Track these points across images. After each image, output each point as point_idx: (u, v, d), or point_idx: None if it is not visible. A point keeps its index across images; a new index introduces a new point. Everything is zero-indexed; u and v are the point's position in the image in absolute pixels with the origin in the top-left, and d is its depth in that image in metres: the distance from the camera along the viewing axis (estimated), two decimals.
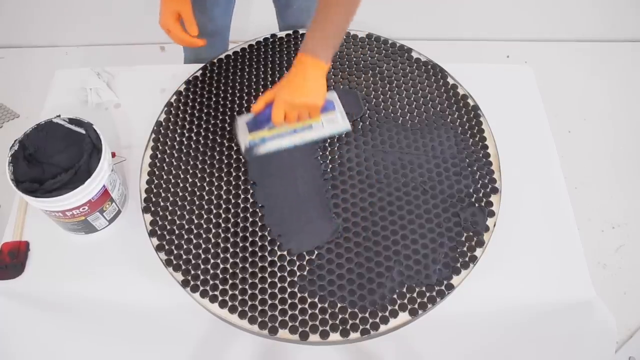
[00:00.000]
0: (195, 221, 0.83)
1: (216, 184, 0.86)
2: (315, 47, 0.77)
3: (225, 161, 0.89)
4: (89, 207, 0.81)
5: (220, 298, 0.75)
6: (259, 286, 0.76)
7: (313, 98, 0.78)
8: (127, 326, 0.85)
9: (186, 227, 0.82)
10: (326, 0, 0.76)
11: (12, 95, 1.82)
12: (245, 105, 0.95)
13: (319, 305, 0.74)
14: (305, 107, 0.79)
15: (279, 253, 0.79)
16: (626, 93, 1.85)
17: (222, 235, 0.81)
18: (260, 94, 0.94)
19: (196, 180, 0.87)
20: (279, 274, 0.77)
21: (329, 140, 0.90)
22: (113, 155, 0.89)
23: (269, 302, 0.75)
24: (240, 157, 0.89)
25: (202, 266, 0.78)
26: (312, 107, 0.79)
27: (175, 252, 0.80)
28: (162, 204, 0.85)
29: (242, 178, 0.87)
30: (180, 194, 0.86)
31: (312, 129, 0.87)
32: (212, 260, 0.79)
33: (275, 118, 0.79)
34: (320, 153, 0.88)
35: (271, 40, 1.05)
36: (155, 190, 0.86)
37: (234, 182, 0.86)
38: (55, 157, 0.81)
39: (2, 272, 0.84)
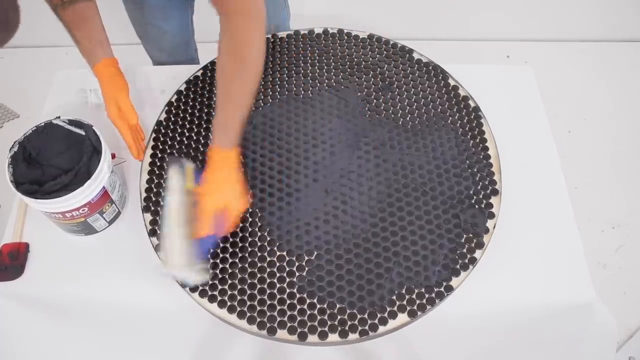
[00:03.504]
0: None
1: None
2: (220, 136, 0.76)
3: None
4: (89, 208, 0.81)
5: (219, 298, 0.75)
6: (258, 286, 0.76)
7: (235, 205, 0.75)
8: (126, 327, 0.85)
9: None
10: (236, 91, 0.75)
11: (12, 95, 1.82)
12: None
13: (318, 306, 0.74)
14: (230, 207, 0.75)
15: (278, 253, 0.79)
16: (626, 93, 1.85)
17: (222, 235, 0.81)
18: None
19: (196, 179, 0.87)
20: (278, 274, 0.77)
21: (329, 141, 0.90)
22: (113, 156, 0.89)
23: (268, 302, 0.75)
24: (240, 156, 0.89)
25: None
26: (236, 206, 0.76)
27: None
28: (162, 203, 0.85)
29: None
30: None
31: None
32: (211, 260, 0.79)
33: (229, 230, 0.76)
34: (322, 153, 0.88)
35: (272, 40, 1.05)
36: (155, 190, 0.86)
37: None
38: (55, 159, 0.81)
39: (1, 274, 0.84)
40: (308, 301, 0.75)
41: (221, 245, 0.79)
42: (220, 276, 0.77)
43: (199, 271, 0.75)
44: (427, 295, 0.75)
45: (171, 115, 0.95)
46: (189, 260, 0.74)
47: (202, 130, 0.93)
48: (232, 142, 0.76)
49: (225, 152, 0.75)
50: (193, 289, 0.76)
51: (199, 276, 0.75)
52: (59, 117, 0.84)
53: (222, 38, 0.75)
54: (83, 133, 0.83)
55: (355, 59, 1.01)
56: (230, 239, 0.80)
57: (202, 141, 0.92)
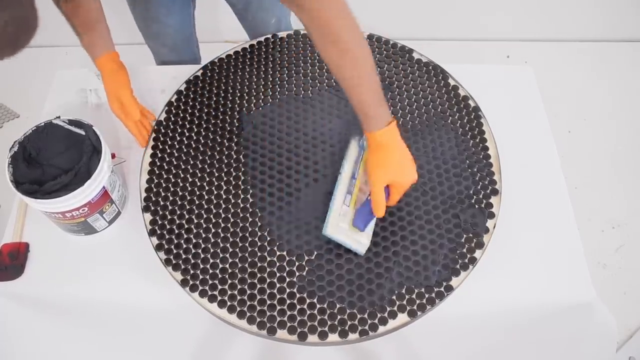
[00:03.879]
0: (195, 221, 0.83)
1: (216, 183, 0.86)
2: (383, 116, 0.74)
3: (226, 161, 0.89)
4: (89, 208, 0.81)
5: (219, 298, 0.75)
6: (258, 286, 0.76)
7: (414, 167, 0.77)
8: (126, 327, 0.85)
9: (186, 226, 0.82)
10: (353, 78, 0.72)
11: (12, 95, 1.82)
12: (246, 105, 0.95)
13: (318, 306, 0.74)
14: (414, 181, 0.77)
15: (278, 253, 0.79)
16: (626, 93, 1.84)
17: (222, 235, 0.81)
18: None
19: (196, 179, 0.87)
20: (278, 274, 0.77)
21: (329, 141, 0.90)
22: (113, 156, 0.89)
23: (268, 302, 0.75)
24: (240, 157, 0.89)
25: (201, 266, 0.78)
26: (415, 178, 0.77)
27: (174, 251, 0.80)
28: (162, 203, 0.85)
29: (242, 178, 0.87)
30: (180, 193, 0.86)
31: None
32: (211, 260, 0.79)
33: (394, 204, 0.78)
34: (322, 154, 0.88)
35: (272, 40, 1.05)
36: (155, 190, 0.86)
37: (234, 182, 0.86)
38: (55, 159, 0.81)
39: (2, 274, 0.84)
40: (308, 301, 0.75)
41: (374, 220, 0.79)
42: (220, 276, 0.77)
43: (357, 239, 0.77)
44: (427, 295, 0.75)
45: (171, 115, 0.95)
46: (349, 227, 0.78)
47: (202, 130, 0.93)
48: (387, 117, 0.74)
49: (377, 134, 0.74)
50: (193, 289, 0.76)
51: (356, 244, 0.77)
52: (59, 117, 0.84)
53: (309, 32, 0.72)
54: (83, 133, 0.83)
55: None
56: (231, 239, 0.80)
57: (202, 141, 0.92)
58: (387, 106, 0.76)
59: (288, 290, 0.76)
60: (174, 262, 0.79)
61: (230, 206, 0.84)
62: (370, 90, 0.73)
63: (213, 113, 0.95)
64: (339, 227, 0.78)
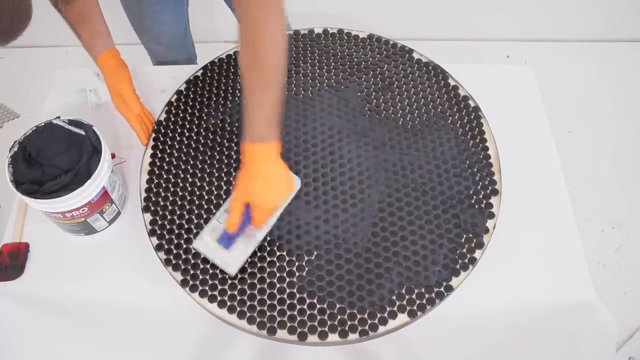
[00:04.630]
0: (195, 221, 0.83)
1: (216, 183, 0.86)
2: (260, 130, 0.71)
3: (225, 161, 0.89)
4: (89, 208, 0.81)
5: (219, 298, 0.75)
6: (258, 286, 0.76)
7: (289, 189, 0.77)
8: (126, 327, 0.85)
9: (186, 226, 0.82)
10: (254, 84, 0.71)
11: (12, 95, 1.82)
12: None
13: (318, 306, 0.74)
14: (284, 201, 0.77)
15: (278, 253, 0.79)
16: (626, 93, 1.84)
17: None
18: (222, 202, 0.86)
19: (196, 179, 0.87)
20: (278, 274, 0.77)
21: (328, 140, 0.90)
22: (113, 156, 0.89)
23: (268, 302, 0.75)
24: (240, 157, 0.89)
25: (201, 266, 0.78)
26: (288, 196, 0.78)
27: (174, 251, 0.80)
28: (162, 203, 0.85)
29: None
30: (180, 193, 0.86)
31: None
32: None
33: (259, 226, 0.76)
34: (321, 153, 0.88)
35: None
36: (155, 190, 0.86)
37: (233, 182, 0.86)
38: (55, 159, 0.81)
39: (1, 274, 0.84)
40: (308, 301, 0.75)
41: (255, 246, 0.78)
42: (220, 276, 0.77)
43: (223, 256, 0.77)
44: (427, 295, 0.75)
45: (171, 115, 0.95)
46: (215, 244, 0.78)
47: (202, 130, 0.93)
48: (259, 136, 0.72)
49: (249, 147, 0.72)
50: (192, 289, 0.76)
51: (222, 261, 0.77)
52: (59, 117, 0.84)
53: (239, 30, 0.72)
54: (83, 133, 0.83)
55: (355, 59, 1.01)
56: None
57: (202, 141, 0.92)
58: (275, 130, 0.72)
59: (288, 291, 0.76)
60: (174, 262, 0.79)
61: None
62: (264, 105, 0.71)
63: (213, 113, 0.95)
64: (205, 242, 0.78)
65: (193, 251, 0.79)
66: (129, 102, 0.90)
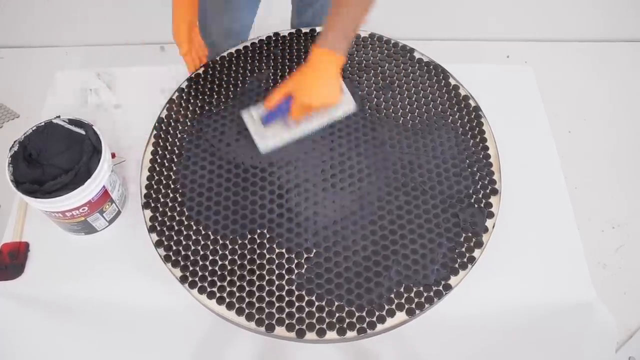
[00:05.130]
0: (195, 217, 0.83)
1: (216, 181, 0.86)
2: (334, 41, 0.77)
3: (226, 160, 0.89)
4: (89, 207, 0.81)
5: (218, 294, 0.75)
6: (257, 283, 0.76)
7: (333, 98, 0.80)
8: (126, 326, 0.85)
9: (186, 223, 0.82)
10: (349, 1, 0.76)
11: (12, 95, 1.82)
12: (247, 103, 0.95)
13: (316, 303, 0.74)
14: (324, 108, 0.80)
15: (277, 250, 0.79)
16: (626, 93, 1.85)
17: (222, 232, 0.81)
18: (269, 89, 0.94)
19: (196, 177, 0.87)
20: (277, 271, 0.77)
21: (329, 137, 0.90)
22: (113, 156, 0.89)
23: (267, 299, 0.75)
24: (241, 154, 0.89)
25: (200, 262, 0.78)
26: (330, 105, 0.81)
27: (174, 248, 0.80)
28: (162, 200, 0.85)
29: (242, 176, 0.87)
30: (181, 190, 0.86)
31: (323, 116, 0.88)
32: (210, 257, 0.79)
33: (296, 118, 0.81)
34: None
35: (274, 38, 1.05)
36: (155, 187, 0.86)
37: (234, 180, 0.86)
38: (55, 158, 0.81)
39: (2, 273, 0.85)
40: (307, 298, 0.75)
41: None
42: (219, 273, 0.77)
43: (260, 133, 0.86)
44: (425, 294, 0.75)
45: (172, 113, 0.95)
46: (258, 118, 0.87)
47: (202, 127, 0.93)
48: (344, 50, 0.77)
49: (335, 55, 0.77)
50: (192, 285, 0.76)
51: (258, 137, 0.86)
52: (59, 117, 0.84)
53: None
54: (83, 133, 0.83)
55: (357, 58, 1.01)
56: (230, 236, 0.80)
57: (203, 138, 0.92)
58: (346, 48, 0.78)
59: (287, 288, 0.76)
60: (173, 258, 0.79)
61: (229, 203, 0.84)
62: (347, 21, 0.77)
63: (214, 110, 0.95)
64: (251, 114, 0.88)
65: (193, 247, 0.79)
66: (178, 42, 0.91)
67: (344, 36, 0.77)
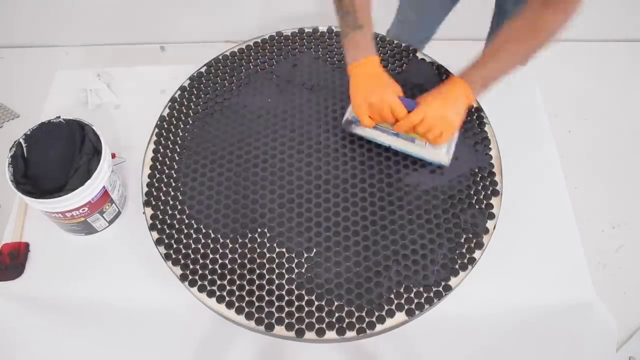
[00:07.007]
0: (196, 216, 0.83)
1: (217, 179, 0.86)
2: (476, 81, 0.79)
3: (227, 157, 0.89)
4: (89, 208, 0.81)
5: (218, 293, 0.75)
6: (257, 282, 0.76)
7: (454, 117, 0.79)
8: (126, 326, 0.85)
9: (186, 221, 0.82)
10: (503, 47, 0.78)
11: (12, 95, 1.82)
12: (249, 102, 0.95)
13: (316, 303, 0.74)
14: (443, 122, 0.78)
15: (277, 250, 0.79)
16: (626, 93, 1.85)
17: (222, 230, 0.81)
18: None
19: (197, 175, 0.87)
20: (277, 271, 0.77)
21: (332, 138, 0.90)
22: (113, 156, 0.89)
23: (267, 298, 0.75)
24: (242, 153, 0.89)
25: (201, 261, 0.78)
26: (449, 124, 0.79)
27: (174, 246, 0.80)
28: (163, 198, 0.85)
29: (243, 175, 0.86)
30: (182, 188, 0.86)
31: (414, 143, 0.85)
32: (211, 255, 0.79)
33: (413, 117, 0.79)
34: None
35: (276, 38, 1.05)
36: (157, 185, 0.86)
37: (234, 179, 0.86)
38: (55, 159, 0.81)
39: (2, 273, 0.85)
40: (306, 298, 0.75)
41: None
42: (219, 271, 0.77)
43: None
44: (425, 295, 0.75)
45: (174, 111, 0.95)
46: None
47: (204, 125, 0.93)
48: (478, 93, 0.80)
49: (470, 92, 0.79)
50: (192, 284, 0.76)
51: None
52: (59, 117, 0.84)
53: (525, 16, 0.77)
54: (83, 133, 0.83)
55: None
56: (230, 235, 0.80)
57: (204, 137, 0.91)
58: (482, 91, 0.81)
59: (286, 287, 0.76)
60: (173, 256, 0.79)
61: (230, 202, 0.84)
62: (501, 75, 0.80)
63: (216, 109, 0.95)
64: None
65: (193, 246, 0.79)
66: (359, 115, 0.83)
67: (485, 83, 0.80)
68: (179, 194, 0.85)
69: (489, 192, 0.84)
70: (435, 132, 0.78)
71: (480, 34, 1.96)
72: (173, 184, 0.86)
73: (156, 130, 0.92)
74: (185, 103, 0.96)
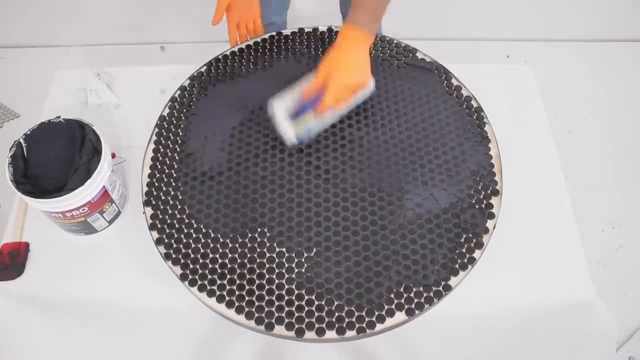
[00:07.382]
0: (196, 215, 0.83)
1: (218, 179, 0.86)
2: (364, 19, 0.76)
3: (228, 157, 0.89)
4: (89, 208, 0.81)
5: (218, 293, 0.75)
6: (257, 282, 0.76)
7: (365, 76, 0.77)
8: (126, 326, 0.85)
9: (186, 221, 0.82)
10: None
11: (12, 95, 1.82)
12: (249, 101, 0.95)
13: (316, 303, 0.74)
14: (358, 87, 0.77)
15: (277, 249, 0.79)
16: (626, 93, 1.85)
17: (222, 230, 0.81)
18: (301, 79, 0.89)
19: (197, 174, 0.87)
20: (276, 270, 0.77)
21: (332, 137, 0.90)
22: (113, 156, 0.89)
23: (266, 298, 0.75)
24: (242, 152, 0.89)
25: (201, 261, 0.78)
26: (364, 85, 0.78)
27: (174, 246, 0.80)
28: (163, 198, 0.85)
29: (243, 174, 0.86)
30: (182, 188, 0.86)
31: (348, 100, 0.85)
32: (211, 255, 0.79)
33: (331, 103, 0.77)
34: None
35: (276, 37, 1.05)
36: (157, 185, 0.86)
37: (234, 178, 0.86)
38: (55, 159, 0.81)
39: (2, 273, 0.85)
40: (306, 297, 0.75)
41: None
42: (219, 271, 0.77)
43: (285, 125, 0.83)
44: (425, 294, 0.75)
45: (174, 111, 0.95)
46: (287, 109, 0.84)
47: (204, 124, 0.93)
48: (374, 29, 0.76)
49: (366, 33, 0.76)
50: (192, 283, 0.76)
51: (282, 128, 0.84)
52: (59, 117, 0.84)
53: None
54: (83, 133, 0.83)
55: None
56: (230, 234, 0.80)
57: (204, 137, 0.91)
58: (376, 26, 0.77)
59: (286, 287, 0.76)
60: (173, 256, 0.79)
61: (230, 201, 0.84)
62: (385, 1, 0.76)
63: (216, 110, 0.95)
64: (281, 105, 0.84)
65: (193, 246, 0.79)
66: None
67: (374, 15, 0.76)
68: (179, 193, 0.85)
69: (489, 191, 0.84)
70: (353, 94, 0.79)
71: (480, 35, 1.97)
72: (173, 184, 0.86)
73: (156, 130, 0.92)
74: (185, 103, 0.96)
